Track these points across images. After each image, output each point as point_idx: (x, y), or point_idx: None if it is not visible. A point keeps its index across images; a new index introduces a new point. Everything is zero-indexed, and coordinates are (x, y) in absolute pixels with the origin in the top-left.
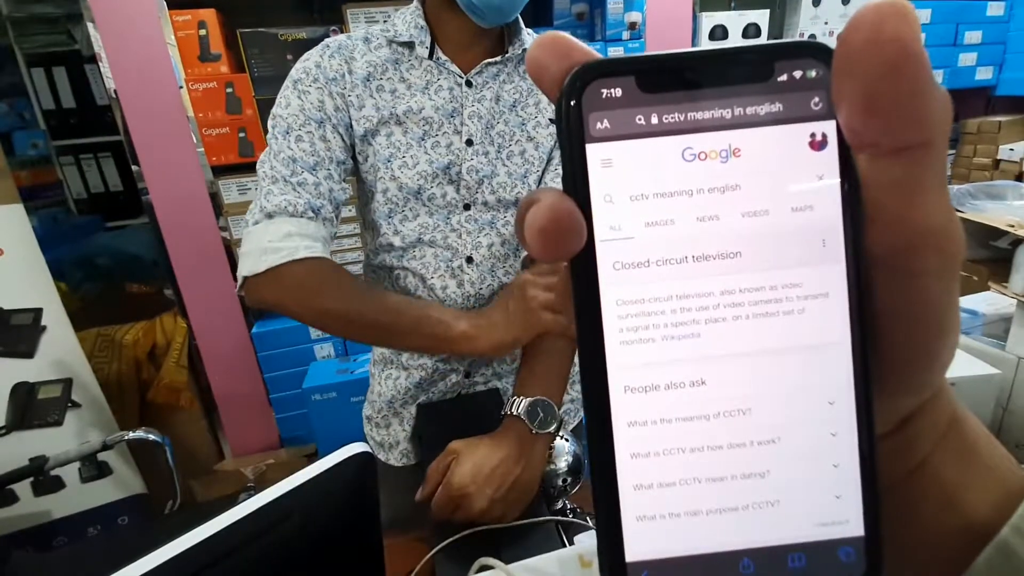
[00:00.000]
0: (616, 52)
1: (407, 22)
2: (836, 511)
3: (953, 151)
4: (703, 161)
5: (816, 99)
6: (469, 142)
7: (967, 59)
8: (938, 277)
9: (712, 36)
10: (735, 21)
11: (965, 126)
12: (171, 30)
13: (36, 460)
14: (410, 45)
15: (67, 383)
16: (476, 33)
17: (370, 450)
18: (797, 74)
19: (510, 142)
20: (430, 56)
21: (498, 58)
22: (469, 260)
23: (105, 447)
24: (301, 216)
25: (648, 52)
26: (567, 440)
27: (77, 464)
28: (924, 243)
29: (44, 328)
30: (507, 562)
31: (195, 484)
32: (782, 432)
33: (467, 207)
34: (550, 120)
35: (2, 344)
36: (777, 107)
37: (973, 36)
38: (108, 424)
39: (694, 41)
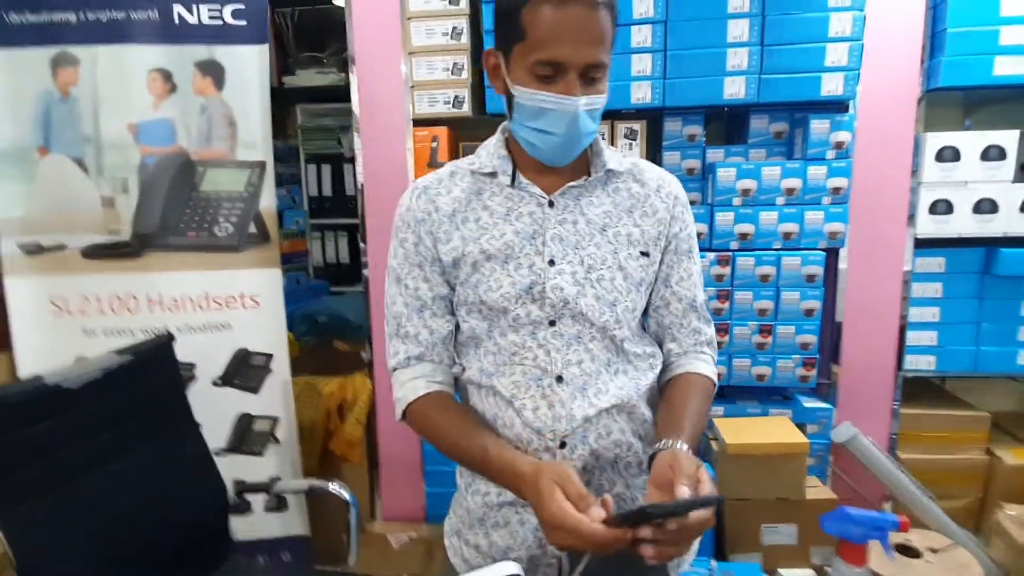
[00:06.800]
0: (819, 171)
1: (491, 154)
2: None
3: None
4: None
5: None
6: (551, 262)
7: None
8: None
9: (939, 158)
10: (971, 142)
11: None
12: (412, 141)
13: (273, 479)
14: (493, 174)
15: (275, 420)
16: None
17: None
18: None
19: (601, 265)
20: (512, 183)
21: (580, 180)
22: (559, 379)
23: (312, 490)
24: (418, 362)
25: None
26: None
27: (263, 494)
28: None
29: (271, 371)
30: None
31: (343, 536)
32: None
33: (552, 323)
34: (641, 252)
35: (240, 379)
36: None
37: None
38: (293, 464)
39: (915, 164)
